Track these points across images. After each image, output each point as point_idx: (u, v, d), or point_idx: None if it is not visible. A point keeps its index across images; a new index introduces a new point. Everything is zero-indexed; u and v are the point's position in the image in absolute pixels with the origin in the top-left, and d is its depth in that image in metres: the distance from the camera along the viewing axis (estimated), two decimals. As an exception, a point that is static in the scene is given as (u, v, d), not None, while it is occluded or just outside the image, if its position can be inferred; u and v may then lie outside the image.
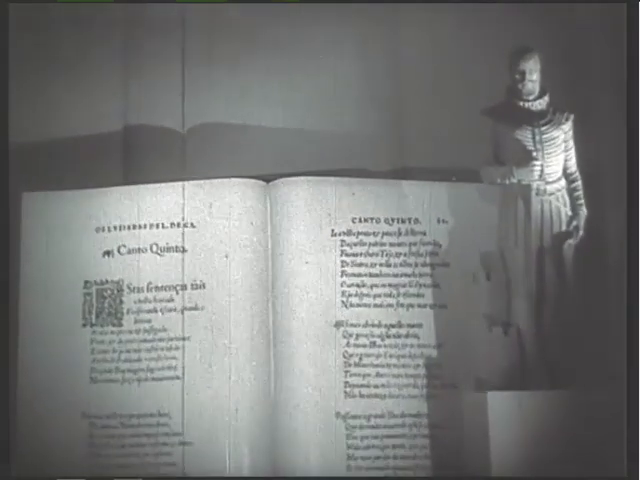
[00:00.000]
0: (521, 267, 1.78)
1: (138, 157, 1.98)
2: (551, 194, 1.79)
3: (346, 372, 1.83)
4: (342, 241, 1.86)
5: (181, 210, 1.87)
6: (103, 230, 1.87)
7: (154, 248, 1.86)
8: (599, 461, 1.66)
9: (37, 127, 1.98)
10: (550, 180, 1.79)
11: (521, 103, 1.81)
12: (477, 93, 1.90)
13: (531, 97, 1.81)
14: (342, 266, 1.86)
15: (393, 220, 1.88)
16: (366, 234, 1.87)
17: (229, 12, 2.01)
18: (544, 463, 1.67)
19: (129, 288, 1.85)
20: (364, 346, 1.84)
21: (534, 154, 1.78)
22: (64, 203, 1.89)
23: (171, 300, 1.84)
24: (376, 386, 1.82)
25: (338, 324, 1.84)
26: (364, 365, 1.83)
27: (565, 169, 1.81)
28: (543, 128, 1.80)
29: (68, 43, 2.01)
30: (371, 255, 1.87)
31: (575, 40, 2.00)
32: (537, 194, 1.79)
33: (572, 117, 1.81)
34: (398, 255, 1.87)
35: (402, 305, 1.85)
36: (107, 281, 1.86)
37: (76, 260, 1.85)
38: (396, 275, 1.86)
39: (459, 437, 1.79)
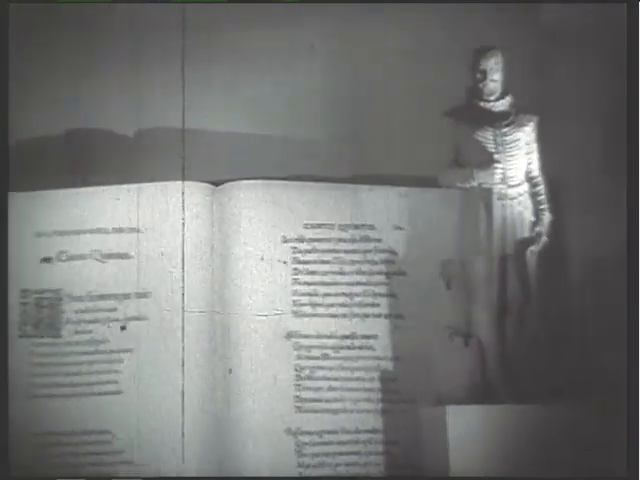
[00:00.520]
0: (483, 275, 1.75)
1: (85, 160, 1.92)
2: (513, 198, 1.77)
3: (297, 386, 1.78)
4: (293, 248, 1.82)
5: (126, 214, 1.82)
6: (43, 235, 1.82)
7: (96, 255, 1.80)
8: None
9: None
10: (512, 184, 1.78)
11: (482, 104, 1.80)
12: (438, 96, 1.86)
13: (492, 97, 1.80)
14: (293, 274, 1.81)
15: (347, 226, 1.84)
16: (319, 240, 1.83)
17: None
18: (506, 480, 1.64)
19: (69, 297, 1.79)
20: (316, 358, 1.79)
21: (495, 156, 1.77)
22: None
23: (114, 310, 1.79)
24: (328, 400, 1.78)
25: (289, 335, 1.79)
26: (316, 378, 1.78)
27: (528, 172, 1.80)
28: (505, 129, 1.79)
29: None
30: (324, 263, 1.82)
31: (540, 41, 1.96)
32: (499, 198, 1.77)
33: (535, 119, 1.80)
34: (352, 263, 1.82)
35: (356, 315, 1.81)
36: (46, 289, 1.80)
37: (13, 267, 1.77)
38: (350, 284, 1.82)
39: (417, 454, 1.74)
